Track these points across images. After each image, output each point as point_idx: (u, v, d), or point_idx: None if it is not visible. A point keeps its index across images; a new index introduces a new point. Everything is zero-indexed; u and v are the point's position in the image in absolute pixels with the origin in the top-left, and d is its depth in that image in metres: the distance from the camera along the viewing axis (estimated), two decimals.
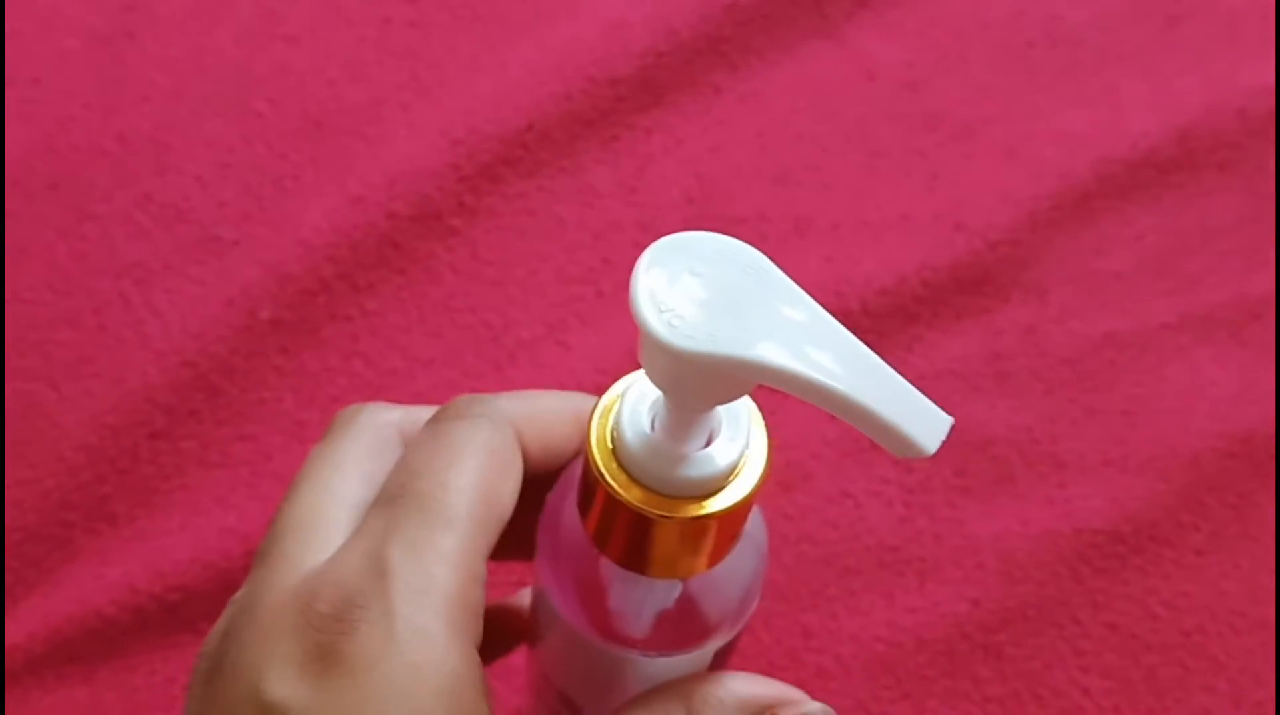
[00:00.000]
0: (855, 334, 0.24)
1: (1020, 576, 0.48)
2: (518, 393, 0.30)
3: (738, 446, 0.25)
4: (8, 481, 0.47)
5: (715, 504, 0.25)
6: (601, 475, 0.25)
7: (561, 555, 0.29)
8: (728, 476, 0.25)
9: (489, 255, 0.51)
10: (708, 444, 0.25)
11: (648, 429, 0.25)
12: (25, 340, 0.49)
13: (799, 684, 0.47)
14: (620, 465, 0.25)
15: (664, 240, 0.23)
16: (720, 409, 0.25)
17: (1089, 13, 0.58)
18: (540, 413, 0.30)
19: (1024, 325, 0.52)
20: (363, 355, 0.50)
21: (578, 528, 0.28)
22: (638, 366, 0.25)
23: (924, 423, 0.23)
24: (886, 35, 0.57)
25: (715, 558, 0.27)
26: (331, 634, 0.25)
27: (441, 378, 0.50)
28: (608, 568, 0.28)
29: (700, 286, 0.23)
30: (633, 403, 0.26)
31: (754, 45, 0.56)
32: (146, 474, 0.48)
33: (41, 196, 0.51)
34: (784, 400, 0.50)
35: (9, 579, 0.47)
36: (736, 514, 0.26)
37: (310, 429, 0.49)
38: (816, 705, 0.29)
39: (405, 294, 0.51)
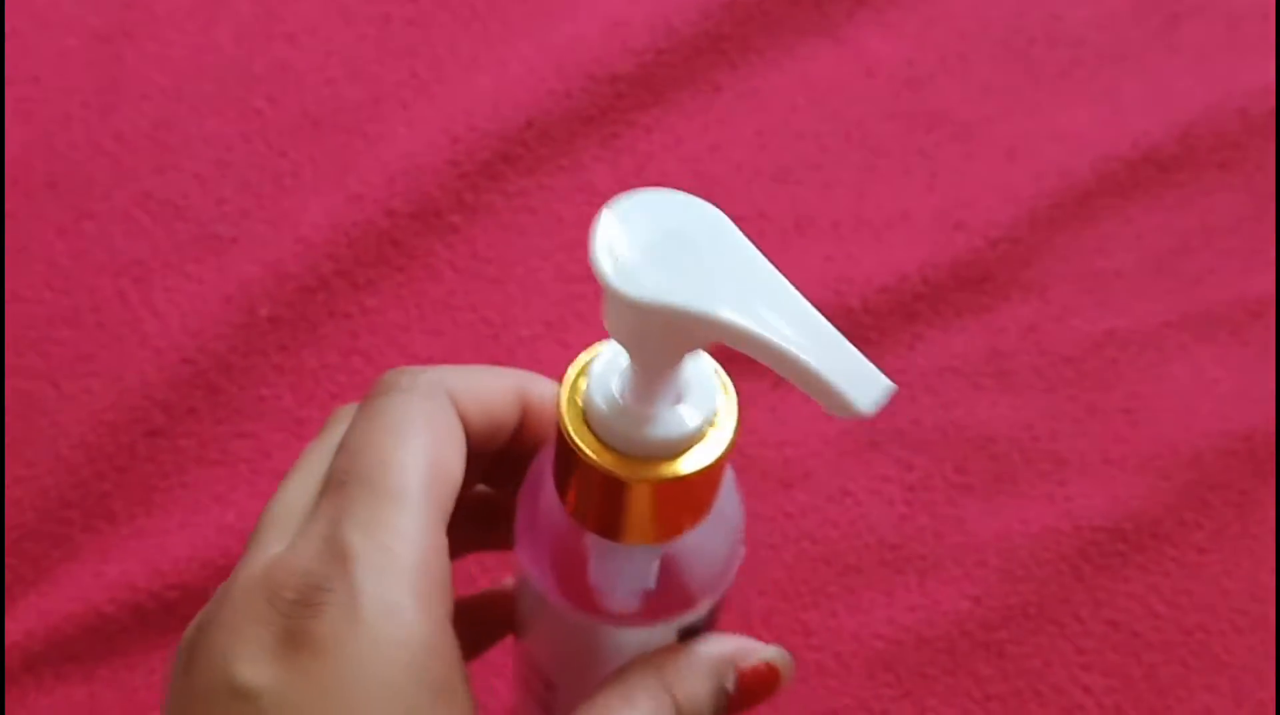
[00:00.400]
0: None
1: (1021, 574, 0.48)
2: (453, 366, 0.30)
3: (704, 409, 0.26)
4: (7, 480, 0.47)
5: (686, 465, 0.25)
6: (573, 440, 0.26)
7: (539, 531, 0.29)
8: (696, 438, 0.26)
9: (488, 253, 0.51)
10: (676, 407, 0.26)
11: (616, 394, 0.26)
12: (24, 338, 0.49)
13: (800, 682, 0.47)
14: (590, 431, 0.26)
15: (627, 197, 0.24)
16: (687, 373, 0.26)
17: (1090, 12, 0.58)
18: (477, 385, 0.30)
19: (1025, 323, 0.52)
20: (362, 353, 0.50)
21: (554, 502, 0.28)
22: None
23: (864, 385, 0.23)
24: (887, 34, 0.56)
25: (689, 523, 0.27)
26: (299, 618, 0.25)
27: None
28: (585, 538, 0.28)
29: (659, 242, 0.23)
30: (601, 369, 0.26)
31: (754, 43, 0.56)
32: (145, 472, 0.48)
33: (40, 195, 0.51)
34: (784, 397, 0.50)
35: (8, 577, 0.47)
36: (708, 476, 0.26)
37: (309, 426, 0.49)
38: (771, 649, 0.31)
39: (405, 291, 0.51)
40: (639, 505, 0.26)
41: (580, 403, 0.26)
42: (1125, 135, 0.55)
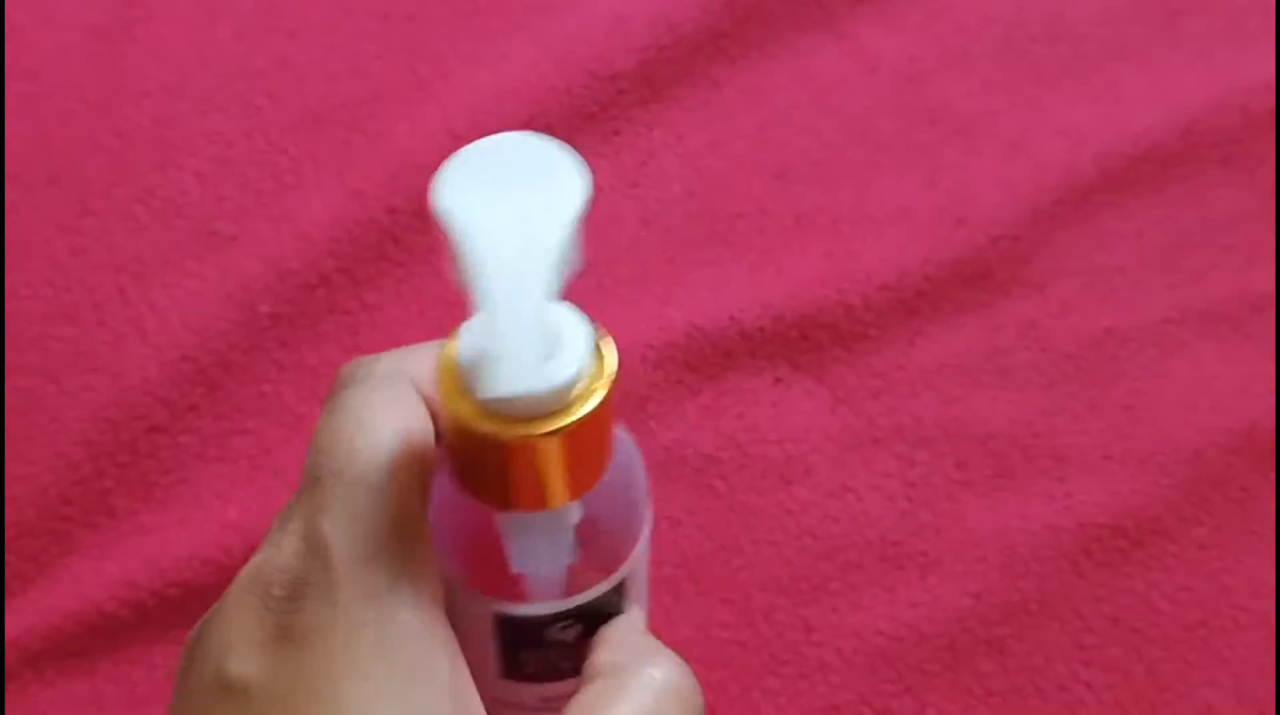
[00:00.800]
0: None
1: (1022, 571, 0.48)
2: (407, 348, 0.30)
3: (574, 363, 0.25)
4: (7, 476, 0.47)
5: (563, 419, 0.25)
6: (453, 413, 0.25)
7: (443, 519, 0.29)
8: (569, 392, 0.25)
9: None
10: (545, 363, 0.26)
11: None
12: (24, 335, 0.49)
13: (800, 678, 0.47)
14: (465, 395, 0.25)
15: (492, 139, 0.24)
16: (555, 328, 0.26)
17: (1091, 7, 0.58)
18: (431, 361, 0.30)
19: (1025, 320, 0.52)
20: (363, 349, 0.50)
21: (450, 485, 0.28)
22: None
23: (505, 375, 0.23)
24: (888, 29, 0.56)
25: (580, 485, 0.27)
26: (285, 613, 0.26)
27: None
28: (480, 513, 0.28)
29: (497, 175, 0.24)
30: (468, 335, 0.26)
31: (754, 39, 0.56)
32: (146, 469, 0.48)
33: (40, 191, 0.51)
34: (785, 394, 0.50)
35: (8, 573, 0.47)
36: (590, 430, 0.26)
37: (310, 423, 0.49)
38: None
39: (405, 288, 0.51)
40: (525, 468, 0.26)
41: (454, 369, 0.26)
42: (1126, 131, 0.55)
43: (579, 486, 0.27)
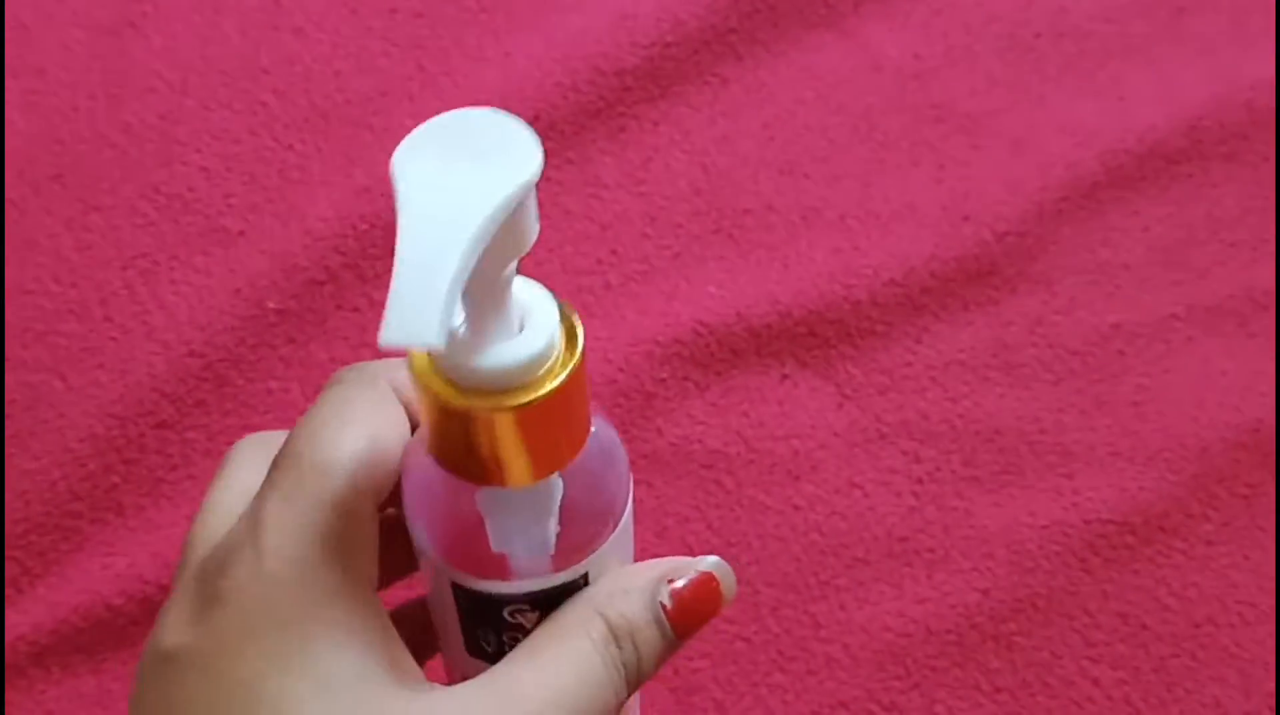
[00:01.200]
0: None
1: (1030, 567, 0.48)
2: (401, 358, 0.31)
3: (544, 335, 0.26)
4: (14, 472, 0.47)
5: (533, 391, 0.26)
6: (425, 387, 0.26)
7: (420, 496, 0.29)
8: (541, 363, 0.26)
9: None
10: (515, 336, 0.26)
11: (459, 332, 0.26)
12: (31, 331, 0.49)
13: (808, 674, 0.47)
14: (438, 374, 0.26)
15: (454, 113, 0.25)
16: (524, 303, 0.26)
17: (1095, 5, 0.58)
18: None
19: (1032, 316, 0.52)
20: (370, 345, 0.50)
21: (428, 466, 0.28)
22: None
23: (409, 326, 0.23)
24: (893, 27, 0.56)
25: (552, 461, 0.27)
26: (214, 582, 0.27)
27: None
28: (457, 489, 0.28)
29: (449, 148, 0.24)
30: None
31: (760, 37, 0.56)
32: (153, 464, 0.48)
33: (46, 188, 0.51)
34: (792, 391, 0.50)
35: (15, 570, 0.47)
36: (560, 401, 0.26)
37: None
38: (708, 560, 0.31)
39: None
40: (497, 441, 0.26)
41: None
42: (1131, 128, 0.55)
43: (552, 463, 0.27)
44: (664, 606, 0.30)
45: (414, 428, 0.30)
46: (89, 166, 0.52)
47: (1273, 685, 0.47)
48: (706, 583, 0.30)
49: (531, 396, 0.26)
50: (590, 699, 0.28)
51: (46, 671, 0.46)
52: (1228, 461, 0.50)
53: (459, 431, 0.26)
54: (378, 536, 0.29)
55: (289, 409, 0.49)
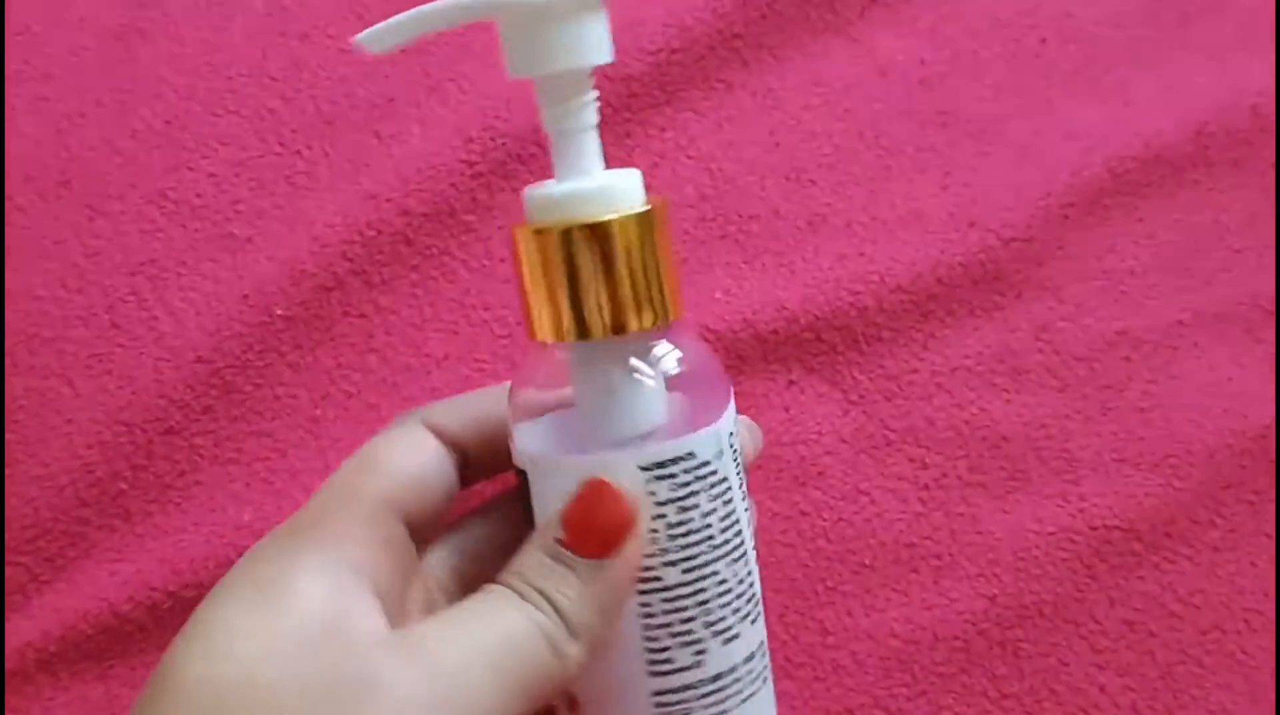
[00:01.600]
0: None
1: (1036, 574, 0.48)
2: (447, 399, 0.37)
3: (619, 178, 0.32)
4: (22, 478, 0.47)
5: (609, 211, 0.31)
6: (515, 238, 0.31)
7: (529, 397, 0.33)
8: (616, 196, 0.32)
9: (503, 252, 0.51)
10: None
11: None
12: (38, 337, 0.49)
13: (815, 680, 0.47)
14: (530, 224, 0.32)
15: None
16: (609, 174, 0.33)
17: (1102, 10, 0.58)
18: (463, 407, 0.35)
19: (1038, 322, 0.52)
20: (377, 352, 0.50)
21: (534, 358, 0.33)
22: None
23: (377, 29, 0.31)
24: (899, 32, 0.56)
25: (651, 313, 0.32)
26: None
27: (456, 374, 0.50)
28: (570, 360, 0.33)
29: None
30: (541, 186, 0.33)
31: (767, 42, 0.56)
32: (161, 471, 0.48)
33: (54, 194, 0.51)
34: (798, 396, 0.50)
35: (22, 576, 0.47)
36: (643, 231, 0.31)
37: (325, 425, 0.49)
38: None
39: (419, 290, 0.51)
40: (578, 275, 0.31)
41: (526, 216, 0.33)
42: (1138, 134, 0.55)
43: (631, 318, 0.32)
44: (559, 540, 0.30)
45: (454, 457, 0.35)
46: (96, 172, 0.52)
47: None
48: (591, 491, 0.30)
49: (616, 215, 0.31)
50: (517, 652, 0.29)
51: (54, 678, 0.46)
52: (1234, 468, 0.50)
53: (548, 275, 0.31)
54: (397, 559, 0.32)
55: (297, 415, 0.49)
